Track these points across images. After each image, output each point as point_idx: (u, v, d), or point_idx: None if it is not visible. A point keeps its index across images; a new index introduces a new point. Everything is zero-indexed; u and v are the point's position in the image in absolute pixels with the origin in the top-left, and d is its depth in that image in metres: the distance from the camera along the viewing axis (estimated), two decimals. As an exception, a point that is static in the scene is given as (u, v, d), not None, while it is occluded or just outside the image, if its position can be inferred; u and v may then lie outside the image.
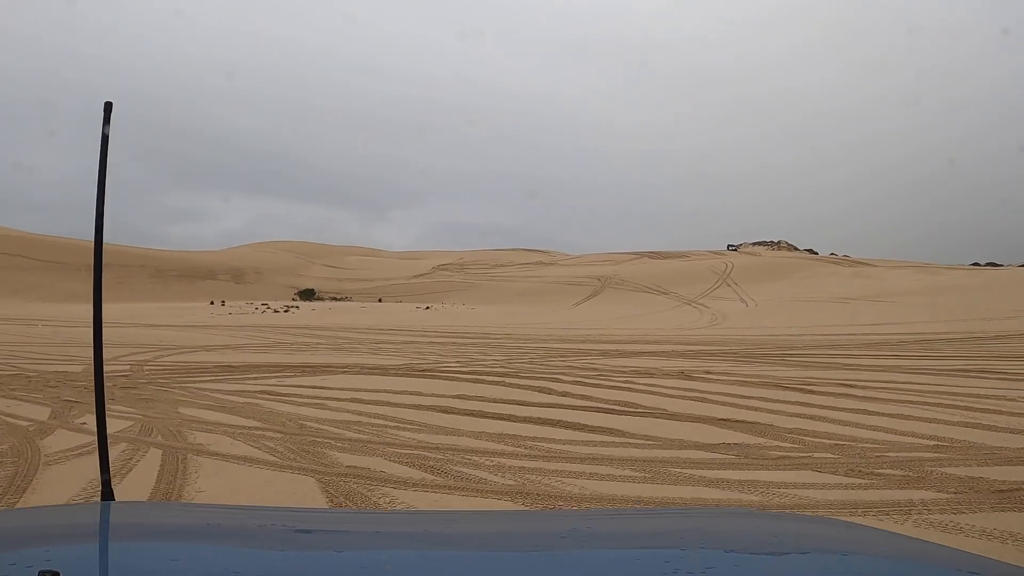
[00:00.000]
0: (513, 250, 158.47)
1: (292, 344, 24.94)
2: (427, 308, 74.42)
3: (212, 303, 73.75)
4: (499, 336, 29.91)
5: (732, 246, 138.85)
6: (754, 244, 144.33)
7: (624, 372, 14.87)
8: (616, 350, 21.24)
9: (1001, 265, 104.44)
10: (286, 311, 63.37)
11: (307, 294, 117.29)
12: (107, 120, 1.60)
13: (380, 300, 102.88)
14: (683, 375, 14.24)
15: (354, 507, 5.77)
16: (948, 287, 61.05)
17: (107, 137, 1.59)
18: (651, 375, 14.30)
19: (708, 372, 14.83)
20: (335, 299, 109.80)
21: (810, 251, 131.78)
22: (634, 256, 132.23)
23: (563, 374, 14.56)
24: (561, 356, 19.18)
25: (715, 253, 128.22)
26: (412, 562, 1.17)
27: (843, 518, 4.84)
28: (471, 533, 1.42)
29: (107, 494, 1.62)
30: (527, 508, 5.74)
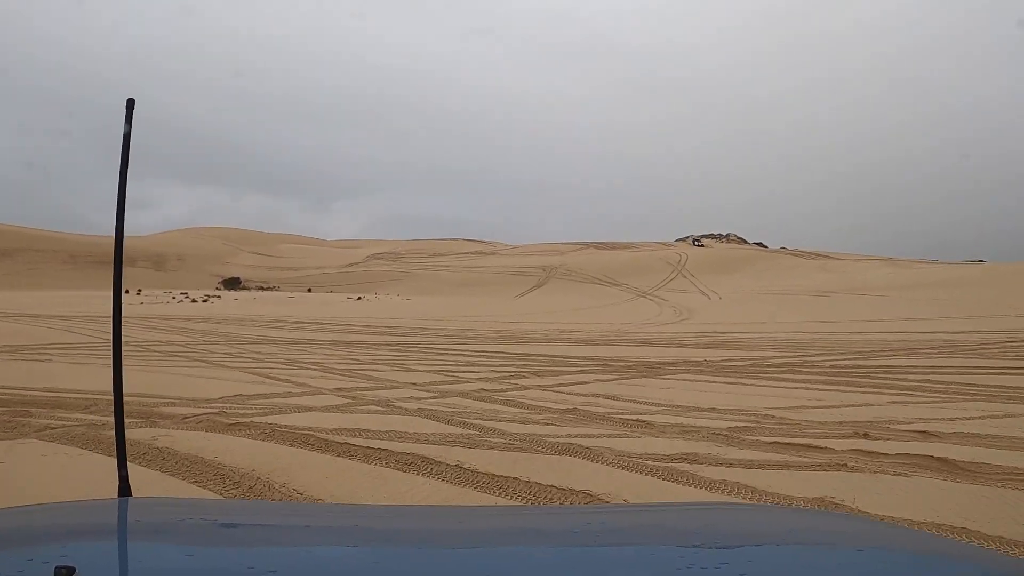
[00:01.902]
0: (451, 240, 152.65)
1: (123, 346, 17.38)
2: (359, 299, 68.40)
3: (127, 292, 65.33)
4: (433, 333, 22.81)
5: (697, 241, 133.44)
6: (702, 236, 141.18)
7: (728, 438, 6.50)
8: (614, 358, 14.33)
9: (938, 261, 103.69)
10: (205, 301, 57.36)
11: (231, 283, 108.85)
12: (129, 118, 1.53)
13: (310, 290, 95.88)
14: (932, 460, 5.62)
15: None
16: (927, 282, 56.38)
17: (128, 136, 1.53)
18: (868, 459, 5.70)
19: (925, 432, 6.68)
20: (262, 288, 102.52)
21: (759, 244, 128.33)
22: (579, 246, 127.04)
23: (591, 458, 5.81)
24: (535, 373, 12.00)
25: (664, 244, 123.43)
26: (425, 557, 1.14)
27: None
28: (483, 529, 1.35)
29: (124, 490, 1.52)
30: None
